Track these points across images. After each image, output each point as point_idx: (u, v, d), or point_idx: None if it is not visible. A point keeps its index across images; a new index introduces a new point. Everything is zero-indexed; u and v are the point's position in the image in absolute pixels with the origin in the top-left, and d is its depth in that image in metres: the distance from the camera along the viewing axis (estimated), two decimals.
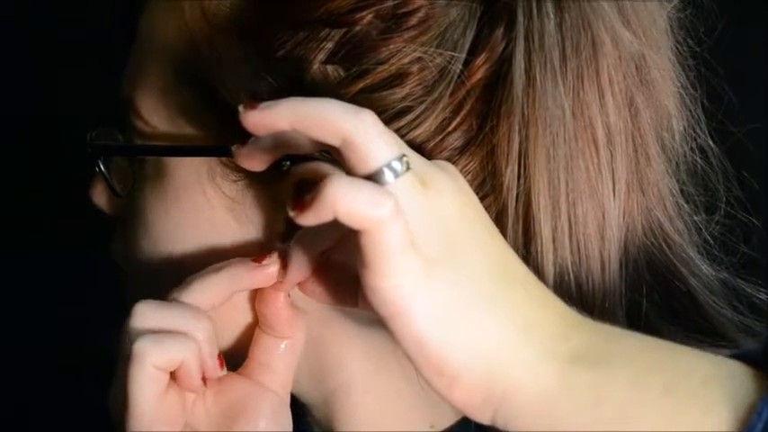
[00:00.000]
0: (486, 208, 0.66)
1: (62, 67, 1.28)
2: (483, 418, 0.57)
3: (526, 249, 0.67)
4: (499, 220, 0.67)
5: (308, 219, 0.56)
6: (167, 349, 0.65)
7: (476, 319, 0.57)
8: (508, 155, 0.66)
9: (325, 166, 0.66)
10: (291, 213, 0.57)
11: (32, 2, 1.29)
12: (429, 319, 0.56)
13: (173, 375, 0.67)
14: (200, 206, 0.71)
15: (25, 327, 1.31)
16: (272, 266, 0.68)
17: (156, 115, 0.72)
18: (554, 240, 0.67)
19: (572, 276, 0.68)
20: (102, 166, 0.77)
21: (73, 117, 1.08)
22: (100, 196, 0.81)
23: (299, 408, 0.78)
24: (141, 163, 0.75)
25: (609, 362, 0.57)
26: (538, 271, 0.66)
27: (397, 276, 0.55)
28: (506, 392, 0.56)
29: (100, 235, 0.82)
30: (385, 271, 0.55)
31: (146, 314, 0.66)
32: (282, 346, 0.71)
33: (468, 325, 0.57)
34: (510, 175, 0.67)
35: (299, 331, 0.71)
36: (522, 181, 0.67)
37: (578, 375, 0.56)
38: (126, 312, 0.79)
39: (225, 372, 0.69)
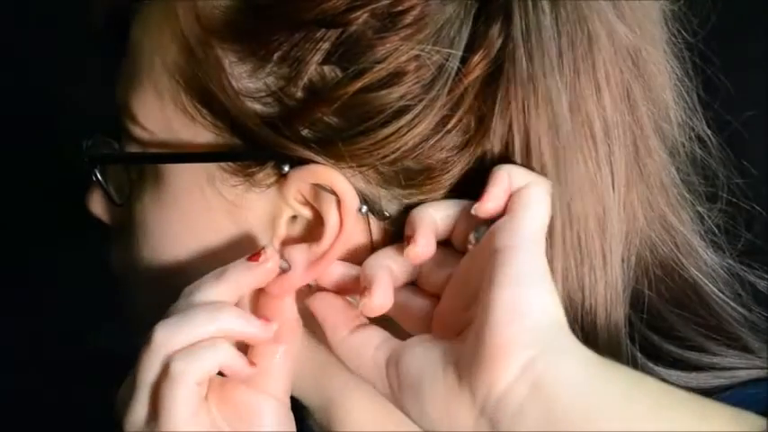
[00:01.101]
0: None
1: (62, 67, 1.28)
2: (511, 368, 0.58)
3: None
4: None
5: (492, 197, 0.65)
6: (204, 361, 0.65)
7: (548, 291, 0.62)
8: (506, 152, 0.67)
9: (322, 168, 0.67)
10: (475, 208, 0.65)
11: (32, 2, 1.29)
12: (534, 257, 0.62)
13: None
14: (200, 211, 0.71)
15: (25, 326, 1.30)
16: (270, 262, 0.68)
17: (152, 121, 0.72)
18: (553, 236, 0.67)
19: (573, 272, 0.68)
20: (98, 176, 0.77)
21: (73, 118, 1.08)
22: (97, 205, 0.81)
23: (301, 410, 0.78)
24: (139, 170, 0.75)
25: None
26: None
27: (536, 218, 0.64)
28: (554, 348, 0.59)
29: (101, 235, 0.82)
30: (529, 214, 0.64)
31: (168, 335, 0.66)
32: (279, 352, 0.70)
33: (546, 288, 0.62)
34: None
35: (297, 339, 0.71)
36: None
37: (617, 367, 0.60)
38: (124, 314, 0.80)
39: (275, 326, 0.68)
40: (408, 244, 0.66)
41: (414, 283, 0.71)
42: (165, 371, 0.65)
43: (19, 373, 1.32)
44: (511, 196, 0.65)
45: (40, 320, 1.30)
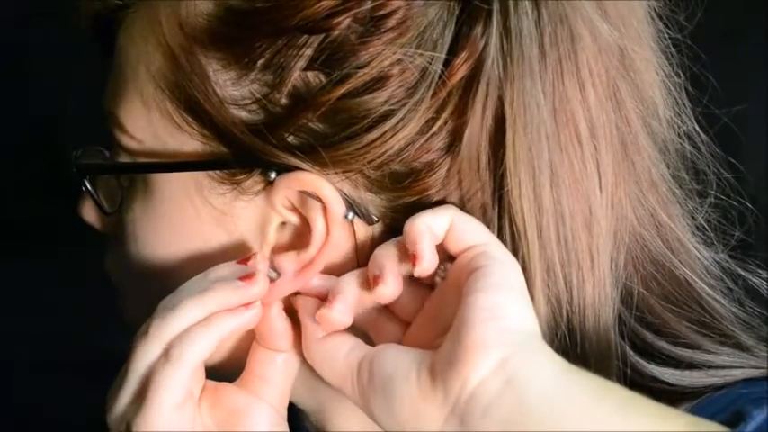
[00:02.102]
0: (473, 206, 0.68)
1: (62, 67, 1.28)
2: (487, 363, 0.59)
3: (513, 247, 0.67)
4: (485, 218, 0.68)
5: (424, 255, 0.66)
6: (201, 341, 0.66)
7: (525, 303, 0.64)
8: (492, 153, 0.67)
9: (308, 175, 0.67)
10: (416, 272, 0.66)
11: (33, 2, 1.29)
12: (510, 271, 0.65)
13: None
14: (190, 220, 0.71)
15: (25, 326, 1.31)
16: (259, 264, 0.68)
17: (139, 130, 0.71)
18: (540, 237, 0.67)
19: (560, 273, 0.68)
20: (88, 186, 0.77)
21: (73, 119, 1.08)
22: (89, 213, 0.81)
23: (297, 412, 0.79)
24: (128, 179, 0.75)
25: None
26: (525, 269, 0.67)
27: (489, 239, 0.67)
28: (529, 349, 0.61)
29: (100, 235, 0.83)
30: (484, 235, 0.67)
31: (163, 324, 0.67)
32: (279, 359, 0.71)
33: (523, 301, 0.64)
34: (494, 173, 0.67)
35: (293, 347, 0.71)
36: (506, 179, 0.67)
37: (586, 373, 0.61)
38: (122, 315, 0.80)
39: (260, 280, 0.68)
40: (377, 284, 0.66)
41: None
42: (164, 356, 0.66)
43: (19, 373, 1.32)
44: (445, 241, 0.67)
45: (40, 320, 1.31)
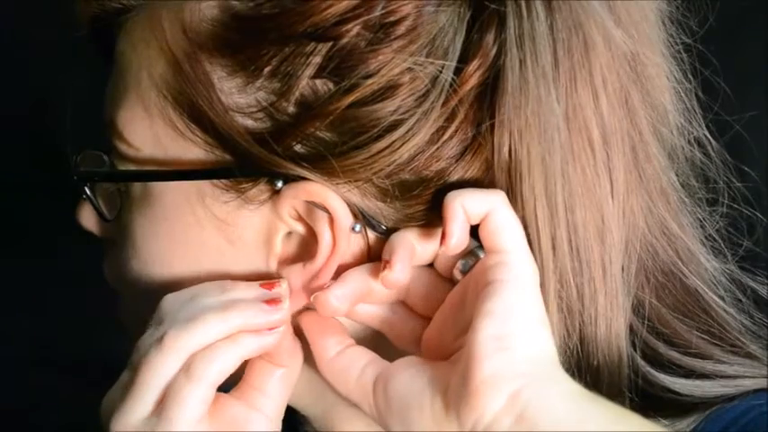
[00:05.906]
0: None
1: (62, 67, 1.28)
2: (498, 399, 0.59)
3: None
4: None
5: (453, 234, 0.64)
6: (224, 361, 0.65)
7: (538, 326, 0.62)
8: (504, 162, 0.66)
9: (315, 185, 0.66)
10: (441, 251, 0.67)
11: (33, 2, 1.29)
12: (527, 290, 0.63)
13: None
14: (190, 228, 0.70)
15: (25, 327, 1.31)
16: (283, 291, 0.68)
17: (140, 137, 0.70)
18: (553, 247, 0.66)
19: (572, 283, 0.67)
20: (88, 192, 0.76)
21: (74, 119, 1.08)
22: (88, 219, 0.80)
23: (299, 419, 0.78)
24: (128, 186, 0.73)
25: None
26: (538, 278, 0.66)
27: (517, 245, 0.65)
28: (541, 379, 0.60)
29: (99, 237, 0.82)
30: (513, 241, 0.65)
31: (183, 337, 0.66)
32: (278, 373, 0.70)
33: (537, 324, 0.62)
34: (506, 182, 0.66)
35: (297, 361, 0.71)
36: (519, 188, 0.66)
37: (600, 401, 0.60)
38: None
39: (285, 305, 0.68)
40: (384, 269, 0.66)
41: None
42: (184, 372, 0.65)
43: (19, 373, 1.32)
44: (479, 227, 0.66)
45: (40, 320, 1.30)
